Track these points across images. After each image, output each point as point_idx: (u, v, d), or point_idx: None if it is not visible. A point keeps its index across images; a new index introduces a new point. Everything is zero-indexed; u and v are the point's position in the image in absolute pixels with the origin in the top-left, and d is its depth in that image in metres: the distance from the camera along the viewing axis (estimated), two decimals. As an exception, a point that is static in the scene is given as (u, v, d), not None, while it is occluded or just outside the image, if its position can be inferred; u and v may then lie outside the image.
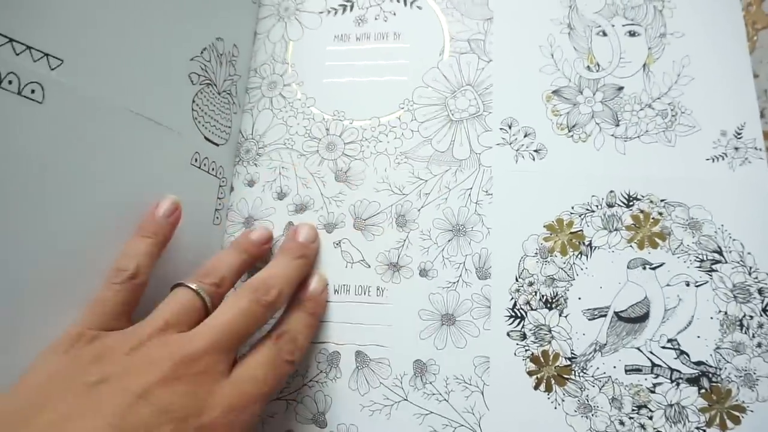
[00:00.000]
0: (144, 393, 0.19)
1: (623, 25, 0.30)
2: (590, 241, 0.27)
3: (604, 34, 0.30)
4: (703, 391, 0.25)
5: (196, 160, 0.30)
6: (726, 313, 0.26)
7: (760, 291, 0.26)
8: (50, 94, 0.22)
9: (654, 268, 0.27)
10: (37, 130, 0.22)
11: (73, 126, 0.23)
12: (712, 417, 0.25)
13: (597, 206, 0.28)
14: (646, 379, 0.25)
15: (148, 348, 0.21)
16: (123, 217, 0.25)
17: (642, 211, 0.27)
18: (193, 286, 0.24)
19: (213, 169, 0.31)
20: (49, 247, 0.22)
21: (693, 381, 0.25)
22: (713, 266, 0.26)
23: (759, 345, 0.25)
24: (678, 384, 0.25)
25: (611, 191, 0.28)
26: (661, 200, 0.27)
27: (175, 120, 0.29)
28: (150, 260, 0.24)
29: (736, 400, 0.25)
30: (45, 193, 0.22)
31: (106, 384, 0.19)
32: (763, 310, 0.25)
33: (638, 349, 0.26)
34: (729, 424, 0.24)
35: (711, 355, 0.25)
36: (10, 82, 0.21)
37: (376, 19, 0.33)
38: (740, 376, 0.25)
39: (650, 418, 0.25)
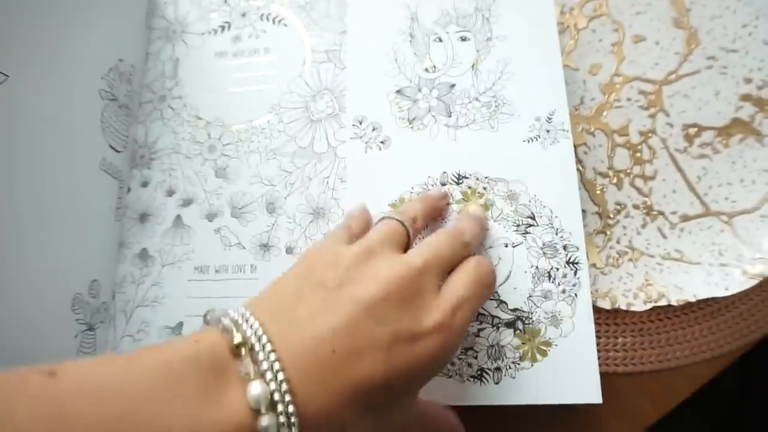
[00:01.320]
0: (369, 305, 0.21)
1: (456, 32, 0.35)
2: (428, 214, 0.32)
3: (440, 40, 0.35)
4: (518, 332, 0.30)
5: (102, 164, 0.35)
6: (537, 267, 0.31)
7: (564, 247, 0.31)
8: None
9: (479, 234, 0.31)
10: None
11: (16, 129, 0.29)
12: (525, 352, 0.29)
13: (432, 185, 0.33)
14: (472, 326, 0.30)
15: (373, 262, 0.24)
16: (47, 212, 0.30)
17: (470, 187, 0.32)
18: (396, 217, 0.27)
19: (115, 172, 0.36)
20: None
21: (510, 324, 0.30)
22: (527, 229, 0.31)
23: (563, 291, 0.30)
24: (498, 328, 0.30)
25: (444, 172, 0.33)
26: (486, 177, 0.32)
27: (88, 130, 0.34)
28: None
29: (545, 338, 0.30)
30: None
31: (339, 290, 0.22)
32: (567, 262, 0.31)
33: (465, 301, 0.31)
34: (538, 357, 0.29)
35: (525, 302, 0.30)
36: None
37: (249, 36, 0.38)
38: (548, 318, 0.30)
39: (476, 357, 0.30)
